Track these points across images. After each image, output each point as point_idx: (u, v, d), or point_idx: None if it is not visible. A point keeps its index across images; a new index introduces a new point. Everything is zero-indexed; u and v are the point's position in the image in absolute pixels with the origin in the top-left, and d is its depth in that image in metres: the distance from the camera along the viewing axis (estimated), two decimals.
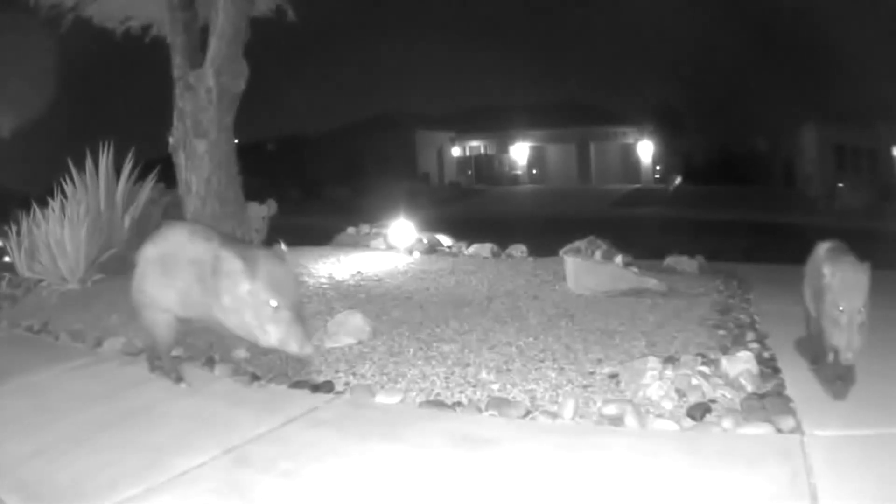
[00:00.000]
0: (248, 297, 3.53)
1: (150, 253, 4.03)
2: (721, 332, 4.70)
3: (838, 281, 3.32)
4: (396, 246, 8.23)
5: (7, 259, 7.45)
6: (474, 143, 40.48)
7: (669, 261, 7.27)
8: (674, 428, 3.22)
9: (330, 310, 5.15)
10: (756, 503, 2.55)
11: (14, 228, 7.25)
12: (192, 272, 3.75)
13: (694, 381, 3.55)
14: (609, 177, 36.71)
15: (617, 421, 3.29)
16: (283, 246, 6.31)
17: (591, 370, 3.95)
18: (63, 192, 7.23)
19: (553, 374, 3.90)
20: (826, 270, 3.38)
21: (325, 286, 6.15)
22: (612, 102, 37.77)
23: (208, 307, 3.70)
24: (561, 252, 6.36)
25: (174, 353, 4.36)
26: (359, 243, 8.54)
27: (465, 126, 38.88)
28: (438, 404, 3.58)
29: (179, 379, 4.03)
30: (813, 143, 28.23)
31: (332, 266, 6.95)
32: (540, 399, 3.60)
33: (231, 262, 3.60)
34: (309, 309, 5.34)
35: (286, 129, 36.76)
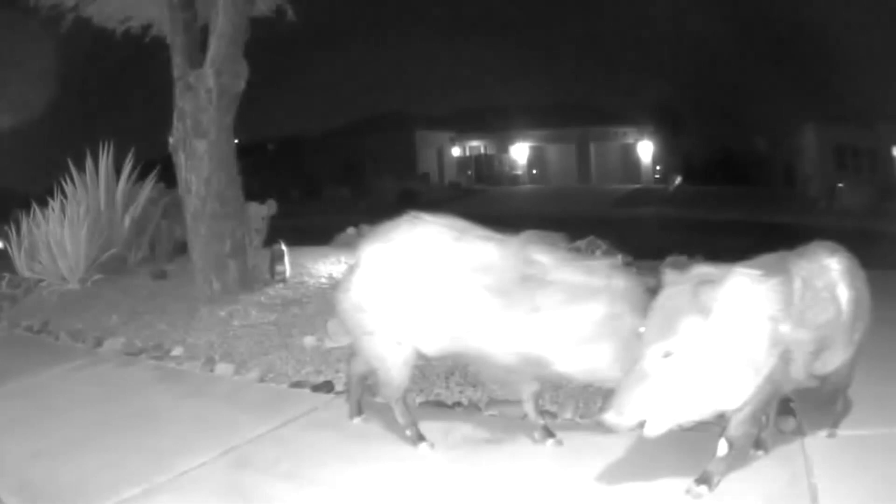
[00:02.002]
0: (609, 324, 2.63)
1: (382, 255, 2.95)
2: None
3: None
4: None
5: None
6: (474, 143, 40.43)
7: (669, 261, 7.26)
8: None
9: (330, 310, 5.12)
10: (756, 503, 2.55)
11: (14, 228, 7.25)
12: (474, 286, 2.76)
13: None
14: (609, 177, 36.67)
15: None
16: (283, 246, 6.30)
17: None
18: (63, 192, 7.23)
19: None
20: None
21: (325, 286, 6.14)
22: (612, 102, 37.70)
23: (497, 336, 2.74)
24: None
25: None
26: (359, 244, 8.52)
27: (465, 126, 38.84)
28: (438, 404, 3.58)
29: (420, 438, 3.05)
30: (813, 143, 28.22)
31: (333, 266, 6.94)
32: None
33: (578, 272, 2.67)
34: (309, 309, 5.35)
35: (286, 129, 36.76)
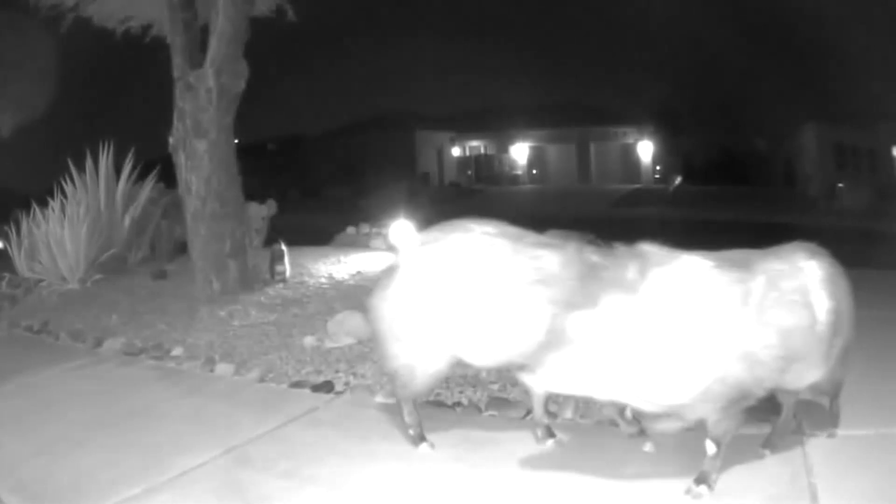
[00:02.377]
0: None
1: (431, 261, 2.75)
2: None
3: None
4: (397, 246, 8.20)
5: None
6: (474, 143, 40.45)
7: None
8: (673, 428, 3.21)
9: (330, 310, 5.14)
10: (756, 503, 2.55)
11: (14, 228, 7.25)
12: (542, 300, 2.61)
13: None
14: (609, 177, 36.68)
15: (617, 421, 3.29)
16: (283, 246, 6.31)
17: None
18: (63, 192, 7.24)
19: None
20: None
21: (325, 286, 6.15)
22: (612, 102, 37.73)
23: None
24: None
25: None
26: (359, 243, 8.55)
27: (465, 126, 38.87)
28: (438, 404, 3.58)
29: (422, 438, 3.01)
30: (813, 143, 28.21)
31: (333, 266, 6.95)
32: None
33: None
34: (309, 309, 5.35)
35: (286, 129, 36.86)
